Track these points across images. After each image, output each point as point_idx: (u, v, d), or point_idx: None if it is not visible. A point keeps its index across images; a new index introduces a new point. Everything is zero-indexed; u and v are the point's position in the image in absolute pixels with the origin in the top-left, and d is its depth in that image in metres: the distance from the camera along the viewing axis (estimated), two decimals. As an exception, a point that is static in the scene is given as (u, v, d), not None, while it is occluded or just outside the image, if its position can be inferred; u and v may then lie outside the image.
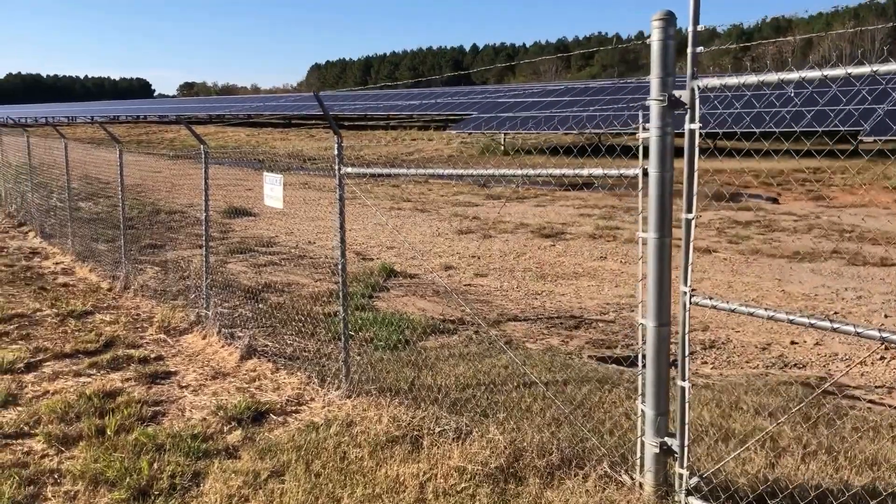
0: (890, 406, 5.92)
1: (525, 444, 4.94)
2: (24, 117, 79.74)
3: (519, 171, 4.86)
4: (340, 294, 6.55)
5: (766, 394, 5.94)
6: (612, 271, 11.53)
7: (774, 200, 19.80)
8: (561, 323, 8.69)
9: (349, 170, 6.27)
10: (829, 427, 5.24)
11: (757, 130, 28.21)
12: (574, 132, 37.09)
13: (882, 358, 6.93)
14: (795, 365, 7.01)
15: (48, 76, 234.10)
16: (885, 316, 8.70)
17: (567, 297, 9.97)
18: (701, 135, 3.95)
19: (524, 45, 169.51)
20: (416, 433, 5.35)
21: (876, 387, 6.35)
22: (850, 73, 3.29)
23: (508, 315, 9.10)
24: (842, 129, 29.10)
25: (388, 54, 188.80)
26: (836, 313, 8.90)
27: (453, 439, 5.18)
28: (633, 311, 9.22)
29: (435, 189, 24.37)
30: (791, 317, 3.64)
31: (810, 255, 12.41)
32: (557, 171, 4.59)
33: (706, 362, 7.19)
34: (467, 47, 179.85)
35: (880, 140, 27.86)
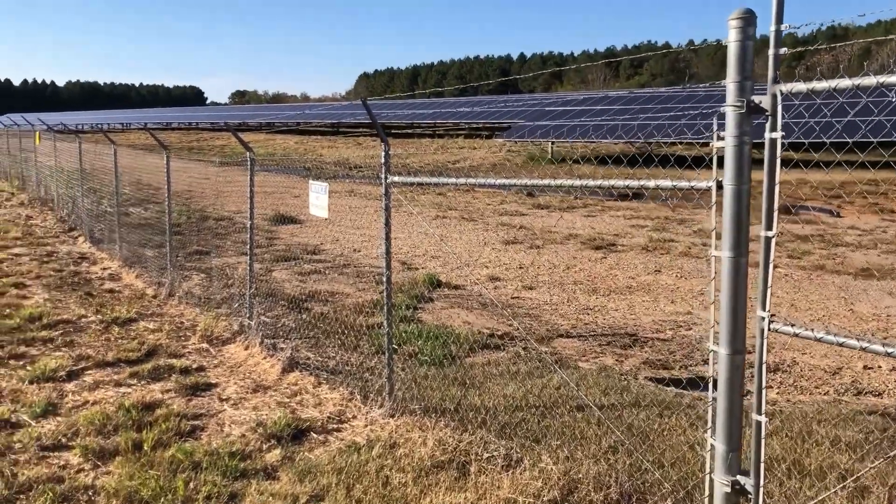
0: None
1: (580, 474, 4.60)
2: (80, 123, 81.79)
3: (578, 182, 4.54)
4: (385, 307, 6.29)
5: (841, 424, 5.50)
6: (666, 286, 11.09)
7: (836, 213, 19.04)
8: (615, 340, 8.30)
9: (395, 178, 6.01)
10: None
11: (842, 140, 27.22)
12: (627, 140, 36.42)
13: (967, 387, 6.42)
14: (870, 392, 6.53)
15: (105, 84, 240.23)
16: (966, 340, 8.13)
17: (620, 312, 9.57)
18: (784, 144, 3.59)
19: (572, 53, 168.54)
20: (462, 458, 5.04)
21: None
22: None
23: (558, 331, 8.75)
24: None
25: (435, 63, 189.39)
26: (910, 336, 8.36)
27: (503, 467, 4.87)
28: (690, 329, 8.80)
29: (481, 197, 24.08)
30: (891, 349, 3.25)
31: (878, 272, 11.79)
32: (622, 183, 4.25)
33: (771, 387, 6.75)
34: (514, 56, 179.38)
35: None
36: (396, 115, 60.76)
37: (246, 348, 8.11)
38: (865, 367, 7.16)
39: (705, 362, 7.54)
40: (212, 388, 6.98)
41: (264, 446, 5.60)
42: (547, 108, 45.09)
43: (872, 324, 8.85)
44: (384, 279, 6.24)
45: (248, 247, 8.86)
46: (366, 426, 5.94)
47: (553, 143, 40.44)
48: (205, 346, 8.31)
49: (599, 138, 36.89)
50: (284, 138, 63.71)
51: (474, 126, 54.20)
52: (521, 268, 12.64)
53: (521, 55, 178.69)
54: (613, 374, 7.07)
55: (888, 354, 3.31)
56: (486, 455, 5.04)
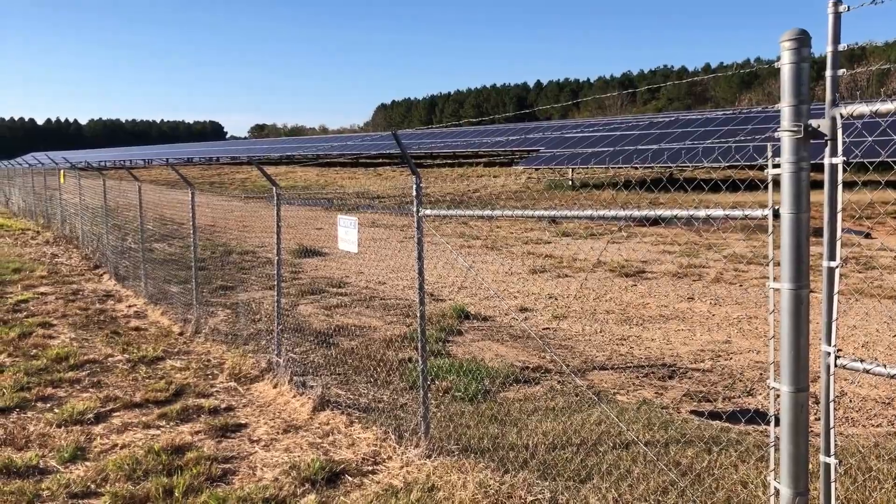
0: None
1: (632, 519, 4.37)
2: (102, 160, 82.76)
3: (622, 213, 4.36)
4: (419, 343, 6.12)
5: (902, 460, 5.23)
6: (702, 314, 10.82)
7: (867, 235, 18.68)
8: (653, 372, 8.06)
9: (427, 211, 5.88)
10: None
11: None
12: (646, 165, 36.20)
13: None
14: (927, 424, 6.25)
15: (127, 121, 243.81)
16: None
17: (656, 342, 9.33)
18: (846, 169, 3.41)
19: (588, 80, 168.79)
20: (505, 502, 4.83)
21: None
22: None
23: (594, 363, 8.52)
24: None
25: (452, 93, 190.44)
26: (961, 362, 8.04)
27: (549, 511, 4.65)
28: (730, 359, 8.54)
29: (505, 226, 23.92)
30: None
31: (918, 296, 11.45)
32: (669, 213, 4.07)
33: (818, 419, 6.47)
34: (531, 84, 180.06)
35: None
36: (416, 146, 61.00)
37: (275, 386, 7.95)
38: (918, 397, 6.87)
39: (749, 394, 7.28)
40: (242, 428, 6.82)
41: (298, 490, 5.41)
42: (566, 136, 45.03)
43: (919, 350, 8.55)
44: (418, 314, 6.07)
45: (274, 281, 8.75)
46: (402, 468, 5.74)
47: (573, 169, 40.32)
48: (233, 384, 8.17)
49: (620, 164, 36.74)
50: (305, 170, 64.09)
51: (493, 154, 54.22)
52: (550, 297, 12.43)
53: (538, 82, 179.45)
54: (654, 407, 6.83)
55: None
56: (529, 498, 4.82)
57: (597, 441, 5.86)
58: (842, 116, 3.37)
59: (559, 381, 7.80)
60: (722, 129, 36.04)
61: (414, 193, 5.83)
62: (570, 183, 39.68)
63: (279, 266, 8.67)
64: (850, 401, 6.93)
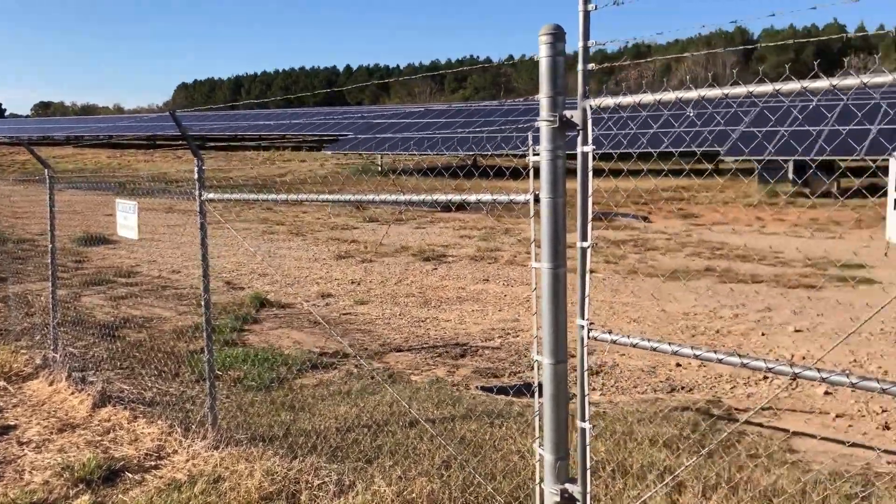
0: (777, 429, 5.89)
1: (414, 494, 4.52)
2: None
3: (402, 197, 4.47)
4: (205, 332, 5.94)
5: (658, 423, 5.78)
6: (495, 294, 11.33)
7: (645, 219, 20.37)
8: (447, 351, 8.34)
9: (211, 195, 5.69)
10: (725, 456, 5.12)
11: (634, 151, 29.21)
12: (452, 153, 37.20)
13: (765, 377, 6.97)
14: (683, 388, 6.94)
15: None
16: (762, 334, 8.87)
17: (451, 323, 9.65)
18: (595, 157, 3.69)
19: (398, 66, 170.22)
20: (293, 488, 4.82)
21: (763, 408, 6.33)
22: (722, 95, 3.11)
23: (392, 345, 8.68)
24: (698, 149, 30.54)
25: (259, 74, 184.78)
26: (716, 332, 9.00)
27: (335, 493, 4.70)
28: (518, 336, 9.01)
29: (311, 211, 23.68)
30: (697, 352, 3.41)
31: (685, 274, 12.68)
32: (444, 197, 4.23)
33: (595, 389, 7.01)
34: (341, 68, 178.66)
35: (737, 160, 29.44)
36: (219, 127, 58.65)
37: (51, 384, 7.38)
38: (678, 365, 7.62)
39: (532, 368, 7.73)
40: (9, 430, 6.28)
41: (71, 492, 5.08)
42: (375, 121, 45.21)
43: (681, 322, 9.47)
44: (202, 303, 5.89)
45: (50, 271, 8.11)
46: (187, 461, 5.55)
47: (382, 155, 40.59)
48: (2, 384, 7.49)
49: (426, 151, 37.52)
50: (96, 152, 59.72)
51: (301, 138, 53.33)
52: (353, 282, 12.48)
53: (348, 67, 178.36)
54: (445, 385, 7.08)
55: (696, 357, 3.47)
56: (317, 482, 4.84)
57: (387, 421, 5.98)
58: (591, 108, 3.64)
59: (356, 366, 7.87)
60: (521, 119, 37.74)
61: (196, 176, 5.63)
62: (379, 168, 39.93)
63: (53, 255, 8.05)
64: (621, 371, 7.55)
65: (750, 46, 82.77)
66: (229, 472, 5.16)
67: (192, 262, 14.05)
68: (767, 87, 3.05)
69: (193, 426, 5.93)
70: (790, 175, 28.79)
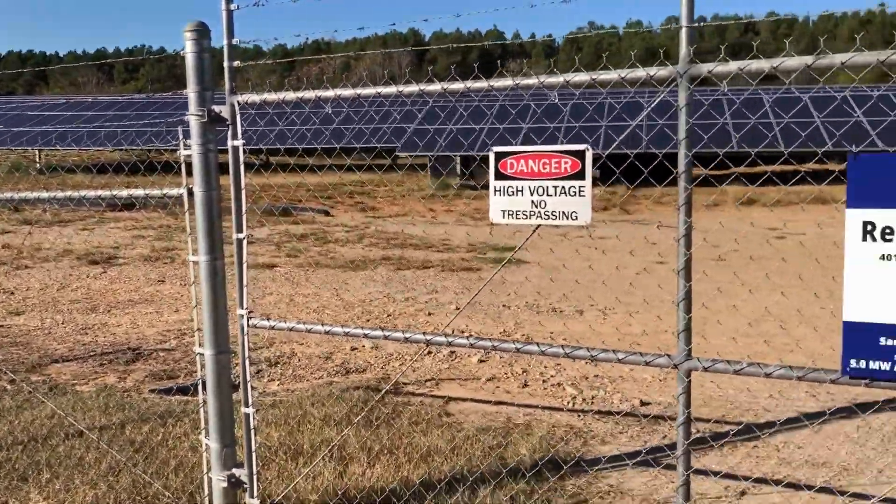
0: (437, 396, 6.52)
1: (77, 503, 4.31)
2: None
3: (45, 195, 4.22)
4: None
5: (331, 403, 6.10)
6: (170, 295, 10.94)
7: (327, 213, 20.91)
8: (117, 357, 7.92)
9: None
10: (389, 427, 5.57)
11: (300, 147, 29.67)
12: (113, 148, 34.75)
13: (429, 353, 7.65)
14: (357, 370, 7.36)
15: None
16: (429, 314, 9.67)
17: (123, 327, 9.16)
18: (246, 151, 3.83)
19: (57, 53, 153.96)
20: (-72, 521, 4.33)
21: (426, 380, 6.95)
22: (396, 92, 3.46)
23: (54, 356, 8.03)
24: (379, 146, 32.08)
25: None
26: (389, 315, 9.62)
27: (-19, 518, 4.31)
28: (193, 336, 8.83)
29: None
30: (346, 329, 3.73)
31: (363, 264, 13.31)
32: (93, 193, 4.08)
33: (273, 379, 7.16)
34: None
35: (412, 155, 31.39)
36: None
37: None
38: (353, 349, 8.04)
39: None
40: None
41: None
42: (30, 113, 40.66)
43: (358, 309, 9.97)
44: None
45: None
46: None
47: (40, 150, 36.72)
48: None
49: (97, 146, 34.80)
50: None
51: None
52: (6, 292, 11.25)
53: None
54: (114, 392, 6.76)
55: (366, 336, 3.79)
56: (-41, 510, 4.40)
57: (49, 436, 5.59)
58: (239, 104, 3.77)
59: (10, 381, 7.16)
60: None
61: None
62: (38, 166, 36.05)
63: None
64: (299, 359, 7.78)
65: (420, 48, 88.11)
66: None
67: None
68: (436, 87, 3.43)
69: None
70: (458, 169, 31.39)
